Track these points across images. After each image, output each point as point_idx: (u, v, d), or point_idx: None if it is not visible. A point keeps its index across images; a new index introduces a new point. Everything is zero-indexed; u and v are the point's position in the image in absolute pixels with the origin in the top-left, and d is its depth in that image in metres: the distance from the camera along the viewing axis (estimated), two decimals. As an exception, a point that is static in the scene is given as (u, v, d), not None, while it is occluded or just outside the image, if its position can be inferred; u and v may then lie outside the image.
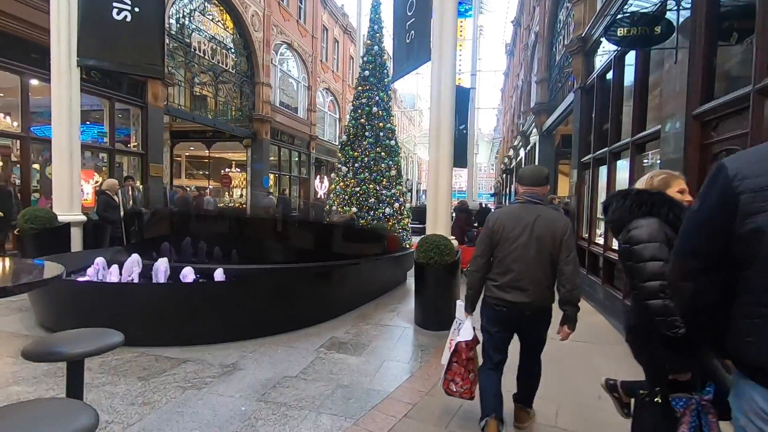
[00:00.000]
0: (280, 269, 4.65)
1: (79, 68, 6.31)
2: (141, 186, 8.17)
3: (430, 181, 5.02)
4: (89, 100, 10.50)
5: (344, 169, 12.05)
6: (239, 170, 19.76)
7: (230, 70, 15.02)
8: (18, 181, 8.19)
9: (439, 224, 4.81)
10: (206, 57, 13.73)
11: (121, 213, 5.79)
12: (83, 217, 6.34)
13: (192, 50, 13.15)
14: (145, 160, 11.01)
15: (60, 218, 5.96)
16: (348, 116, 12.54)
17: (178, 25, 12.66)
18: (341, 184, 11.98)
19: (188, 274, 4.07)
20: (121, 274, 4.11)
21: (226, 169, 19.56)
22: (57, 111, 6.12)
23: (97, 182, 9.74)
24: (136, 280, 4.05)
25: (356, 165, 11.87)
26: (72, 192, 6.19)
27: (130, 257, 4.09)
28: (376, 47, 12.16)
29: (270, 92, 16.85)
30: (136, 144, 11.06)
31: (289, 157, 19.70)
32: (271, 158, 17.77)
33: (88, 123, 11.14)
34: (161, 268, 3.94)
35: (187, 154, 18.57)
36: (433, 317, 4.43)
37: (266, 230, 5.13)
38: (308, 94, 20.79)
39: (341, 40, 24.74)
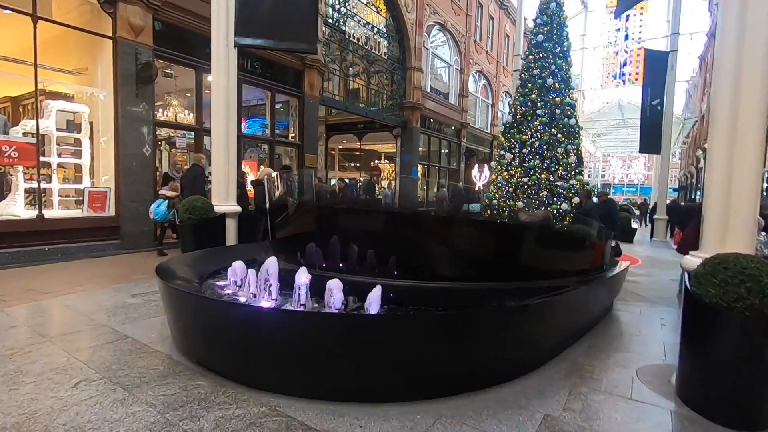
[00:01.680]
0: (459, 290, 3.24)
1: (236, 51, 5.95)
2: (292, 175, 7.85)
3: (714, 164, 2.93)
4: (254, 95, 10.83)
5: (508, 156, 10.11)
6: (388, 162, 19.38)
7: (383, 56, 14.37)
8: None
9: (732, 236, 2.75)
10: (360, 44, 13.26)
11: (267, 204, 5.17)
12: (238, 208, 5.98)
13: (347, 38, 12.79)
14: (301, 150, 10.93)
15: (216, 209, 5.66)
16: (516, 93, 10.56)
17: (335, 13, 12.38)
18: (504, 174, 10.09)
19: (334, 290, 2.95)
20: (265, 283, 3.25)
21: (376, 161, 19.36)
22: (216, 97, 5.84)
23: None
24: (273, 296, 3.11)
25: (524, 151, 9.84)
26: (228, 182, 5.87)
27: (267, 261, 3.15)
28: (553, 3, 9.85)
29: (421, 77, 15.78)
30: (293, 135, 11.06)
31: (438, 146, 18.47)
32: (420, 149, 16.77)
33: (254, 117, 11.60)
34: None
35: (340, 147, 18.90)
36: (729, 400, 2.46)
37: (433, 231, 3.78)
38: (460, 78, 19.18)
39: (497, 16, 22.39)
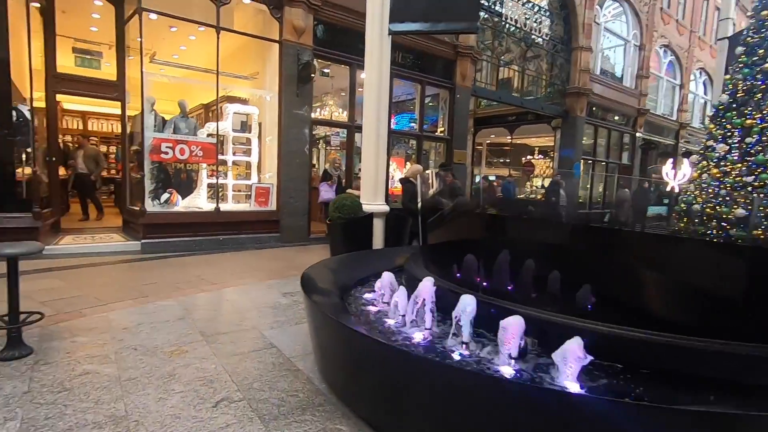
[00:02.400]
0: (703, 349, 2.11)
1: (390, 40, 5.56)
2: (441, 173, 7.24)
3: None
4: (402, 90, 10.55)
5: (721, 147, 7.71)
6: (542, 157, 17.43)
7: (543, 37, 12.72)
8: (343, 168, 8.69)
9: None
10: (518, 26, 11.92)
11: (418, 204, 4.62)
12: (386, 208, 5.61)
13: (503, 21, 11.61)
14: (449, 145, 10.28)
15: (364, 208, 5.38)
16: (734, 65, 8.03)
17: (490, -6, 11.32)
18: (714, 170, 7.75)
19: (511, 329, 2.15)
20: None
21: (528, 156, 17.58)
22: (368, 90, 5.54)
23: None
24: (428, 325, 2.47)
25: (748, 140, 7.37)
26: (377, 179, 5.54)
27: (423, 284, 2.53)
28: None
29: (590, 58, 13.55)
30: (442, 129, 10.47)
31: (607, 138, 15.78)
32: (584, 141, 14.50)
33: (401, 113, 11.37)
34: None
35: (488, 141, 17.72)
36: None
37: (651, 254, 2.67)
38: (639, 56, 16.03)
39: (693, -25, 18.12)
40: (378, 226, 5.53)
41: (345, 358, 2.45)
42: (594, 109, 14.50)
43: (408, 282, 3.08)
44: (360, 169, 9.93)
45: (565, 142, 13.96)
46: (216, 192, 7.19)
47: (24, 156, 6.04)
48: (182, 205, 7.02)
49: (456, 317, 2.30)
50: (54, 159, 6.94)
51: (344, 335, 2.35)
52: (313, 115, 8.08)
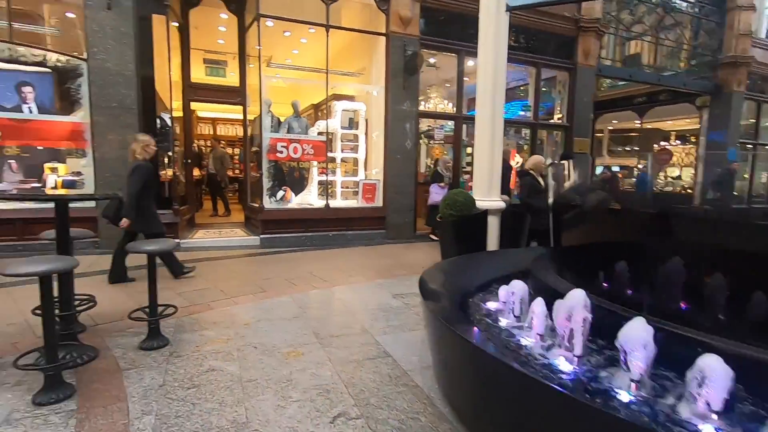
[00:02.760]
0: None
1: (507, 18, 4.99)
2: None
3: None
4: (512, 76, 9.70)
5: None
6: (679, 142, 14.88)
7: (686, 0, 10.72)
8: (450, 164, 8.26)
9: None
10: (654, -11, 10.20)
11: (549, 199, 4.02)
12: (501, 204, 5.08)
13: (635, -15, 10.02)
14: (568, 133, 9.21)
15: (478, 204, 4.93)
16: None
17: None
18: None
19: (715, 377, 1.57)
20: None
21: (662, 143, 15.16)
22: (483, 75, 5.05)
23: (517, 163, 8.82)
24: (577, 351, 1.99)
25: None
26: (492, 172, 5.04)
27: (570, 297, 2.05)
28: None
29: (751, 18, 11.08)
30: (559, 116, 9.42)
31: (774, 116, 12.83)
32: (742, 122, 11.96)
33: (511, 101, 10.50)
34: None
35: (610, 127, 15.71)
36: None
37: None
38: (823, 10, 12.67)
39: None
40: (493, 225, 5.04)
41: (475, 383, 2.09)
42: (759, 81, 11.86)
43: (538, 291, 2.60)
44: (468, 163, 9.43)
45: (715, 123, 11.64)
46: (325, 189, 7.34)
47: (166, 159, 6.80)
48: (295, 202, 7.30)
49: (624, 350, 1.79)
50: (190, 161, 7.73)
51: (477, 359, 1.99)
52: (419, 108, 7.80)
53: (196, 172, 9.10)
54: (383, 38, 7.41)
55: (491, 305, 2.95)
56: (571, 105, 9.13)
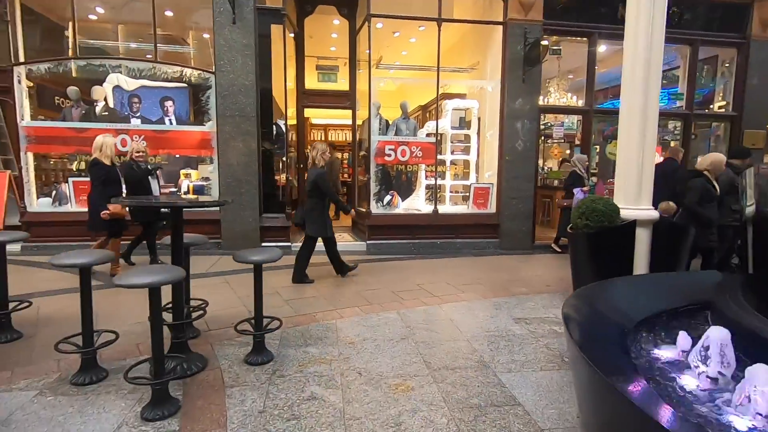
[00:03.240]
0: None
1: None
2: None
3: None
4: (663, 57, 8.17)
5: None
6: None
7: None
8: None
9: None
10: None
11: (747, 209, 3.00)
12: (654, 214, 4.09)
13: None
14: (736, 125, 7.42)
15: (623, 213, 4.03)
16: None
17: None
18: None
19: None
20: None
21: None
22: (630, 57, 4.12)
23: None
24: None
25: None
26: (642, 175, 4.08)
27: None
28: None
29: None
30: (723, 104, 7.65)
31: None
32: None
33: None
34: None
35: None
36: None
37: None
38: None
39: None
40: (642, 240, 4.07)
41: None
42: None
43: (741, 339, 1.80)
44: (597, 164, 8.19)
45: None
46: (434, 193, 6.91)
47: (280, 164, 7.04)
48: (402, 207, 7.00)
49: None
50: (302, 166, 7.95)
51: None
52: (540, 103, 6.92)
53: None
54: (500, 27, 6.72)
55: (663, 354, 2.19)
56: (740, 89, 7.34)
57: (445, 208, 7.09)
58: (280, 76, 6.62)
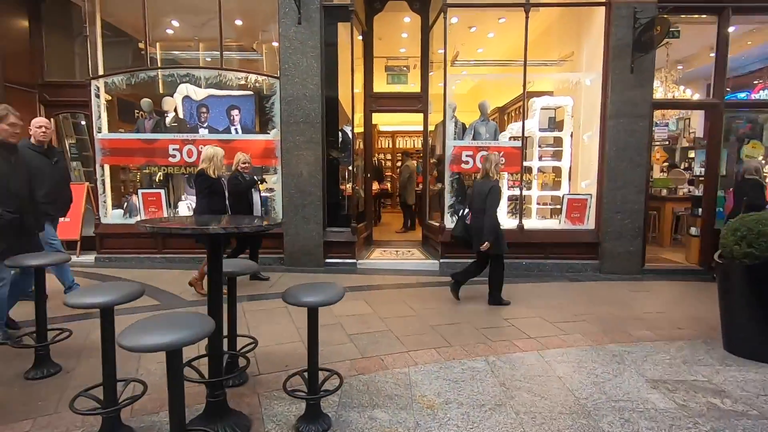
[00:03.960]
0: None
1: None
2: None
3: None
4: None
5: None
6: None
7: None
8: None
9: None
10: None
11: None
12: None
13: None
14: None
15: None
16: None
17: None
18: None
19: None
20: None
21: None
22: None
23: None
24: None
25: None
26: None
27: None
28: None
29: None
30: None
31: None
32: None
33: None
34: None
35: None
36: None
37: None
38: None
39: None
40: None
41: None
42: None
43: None
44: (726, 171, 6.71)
45: None
46: (518, 206, 5.96)
47: (346, 174, 6.52)
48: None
49: None
50: (369, 175, 7.40)
51: None
52: (654, 96, 5.71)
53: (374, 186, 8.89)
54: (602, 9, 5.66)
55: None
56: None
57: (532, 222, 6.11)
58: (347, 79, 6.12)
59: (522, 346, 3.37)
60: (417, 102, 6.90)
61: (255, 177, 5.02)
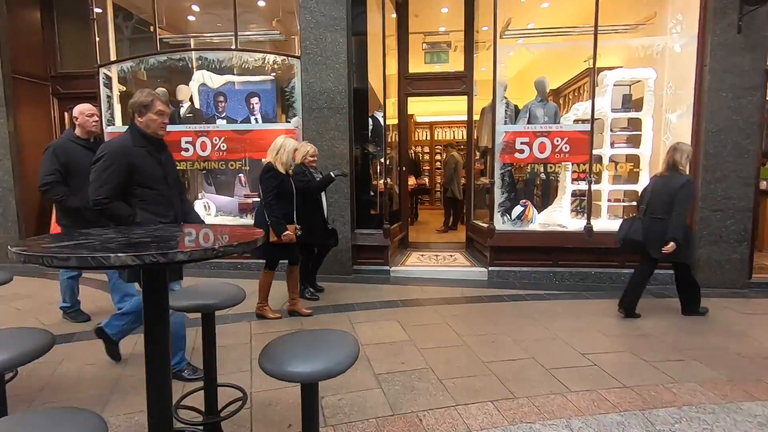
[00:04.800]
0: None
1: None
2: None
3: None
4: None
5: None
6: None
7: None
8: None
9: None
10: None
11: None
12: None
13: None
14: None
15: None
16: None
17: None
18: None
19: None
20: None
21: None
22: None
23: None
24: None
25: None
26: None
27: None
28: None
29: None
30: None
31: None
32: None
33: None
34: None
35: None
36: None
37: None
38: None
39: None
40: None
41: None
42: None
43: None
44: None
45: None
46: (588, 203, 4.90)
47: (377, 167, 5.70)
48: (539, 221, 5.14)
49: None
50: (404, 169, 6.54)
51: None
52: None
53: (410, 181, 8.02)
54: (697, -46, 4.49)
55: None
56: None
57: (603, 223, 5.03)
58: (377, 58, 5.29)
59: (613, 399, 2.41)
60: (460, 83, 5.95)
61: (333, 172, 3.98)
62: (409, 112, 7.10)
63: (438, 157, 12.48)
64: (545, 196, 5.42)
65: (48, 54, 6.03)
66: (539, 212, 5.20)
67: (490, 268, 4.98)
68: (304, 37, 4.95)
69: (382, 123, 5.62)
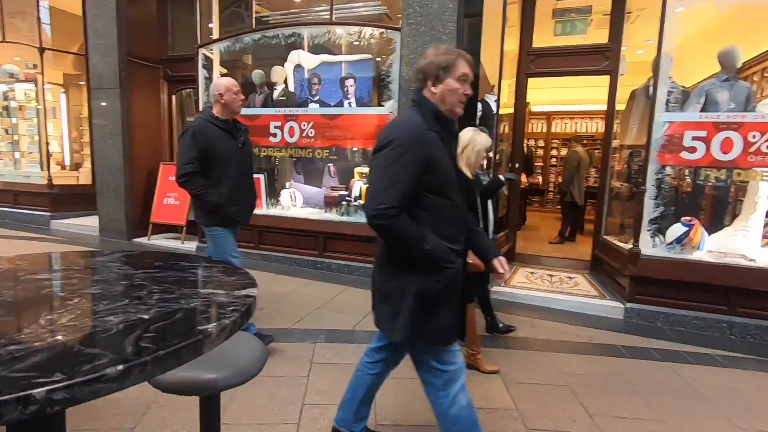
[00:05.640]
0: None
1: None
2: None
3: None
4: None
5: None
6: None
7: None
8: None
9: None
10: None
11: None
12: None
13: None
14: None
15: None
16: None
17: None
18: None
19: None
20: None
21: None
22: None
23: None
24: None
25: None
26: None
27: None
28: None
29: None
30: None
31: None
32: None
33: None
34: None
35: None
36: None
37: None
38: None
39: None
40: None
41: None
42: None
43: None
44: None
45: None
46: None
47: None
48: (707, 248, 3.70)
49: None
50: (517, 165, 5.44)
51: None
52: None
53: (522, 180, 6.83)
54: None
55: None
56: None
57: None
58: (492, 29, 4.29)
59: None
60: (601, 59, 4.63)
61: (502, 176, 3.07)
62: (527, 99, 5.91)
63: (554, 152, 10.86)
64: (720, 213, 3.93)
65: (160, 37, 6.15)
66: (710, 235, 3.76)
67: (628, 305, 3.73)
68: (407, 5, 4.16)
69: (495, 109, 4.60)
